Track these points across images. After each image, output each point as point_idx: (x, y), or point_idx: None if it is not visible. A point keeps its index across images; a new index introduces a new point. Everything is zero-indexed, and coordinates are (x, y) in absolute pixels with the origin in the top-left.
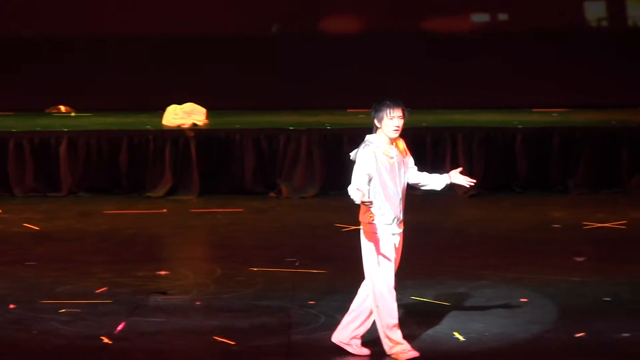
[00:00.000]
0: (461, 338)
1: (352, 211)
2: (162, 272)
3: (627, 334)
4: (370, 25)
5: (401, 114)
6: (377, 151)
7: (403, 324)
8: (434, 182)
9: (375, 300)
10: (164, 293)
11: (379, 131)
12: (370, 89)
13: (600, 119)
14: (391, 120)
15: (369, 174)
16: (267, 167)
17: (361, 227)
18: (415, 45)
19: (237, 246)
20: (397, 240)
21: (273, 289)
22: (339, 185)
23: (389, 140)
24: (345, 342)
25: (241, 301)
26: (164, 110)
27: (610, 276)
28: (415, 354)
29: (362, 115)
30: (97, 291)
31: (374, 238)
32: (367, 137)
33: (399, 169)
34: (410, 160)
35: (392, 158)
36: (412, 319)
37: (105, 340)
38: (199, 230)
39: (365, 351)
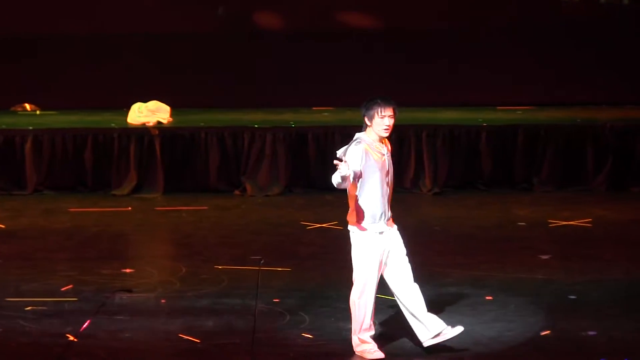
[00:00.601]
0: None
1: (317, 209)
2: (127, 270)
3: (593, 333)
4: (333, 23)
5: (392, 113)
6: (368, 148)
7: None
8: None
9: (355, 299)
10: (129, 291)
11: (368, 129)
12: (334, 87)
13: (565, 117)
14: (382, 120)
15: (355, 171)
16: (232, 165)
17: (349, 227)
18: (379, 43)
19: (201, 244)
20: (387, 238)
21: (238, 287)
22: (303, 184)
23: (378, 138)
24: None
25: (206, 299)
26: (128, 108)
27: (576, 274)
28: (380, 355)
29: (326, 113)
30: (63, 289)
31: (360, 239)
32: (357, 134)
33: (388, 167)
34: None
35: (382, 155)
36: (376, 317)
37: (71, 338)
38: (163, 228)
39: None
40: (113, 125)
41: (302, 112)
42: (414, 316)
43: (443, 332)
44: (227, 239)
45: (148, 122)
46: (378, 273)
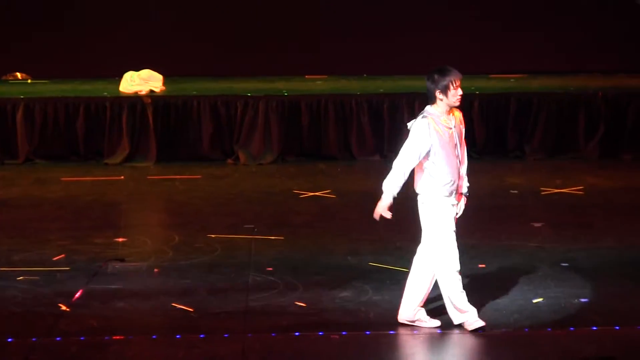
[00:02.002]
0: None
1: (310, 178)
2: (120, 239)
3: (585, 300)
4: None
5: (460, 83)
6: (434, 122)
7: (361, 290)
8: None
9: (439, 271)
10: (122, 260)
11: (439, 102)
12: (328, 56)
13: (558, 85)
14: (456, 90)
15: (420, 153)
16: (225, 133)
17: (419, 197)
18: (373, 10)
19: (194, 213)
20: (456, 210)
21: (231, 256)
22: (296, 152)
23: (447, 110)
24: (411, 320)
25: (199, 268)
26: (121, 77)
27: (568, 242)
28: (481, 323)
29: (319, 82)
30: (55, 258)
31: (433, 210)
32: (427, 108)
33: (459, 139)
34: (463, 133)
35: (450, 129)
36: (370, 285)
37: (63, 307)
38: (156, 197)
39: (436, 322)
40: (105, 94)
41: (295, 80)
42: (407, 287)
43: (415, 319)
44: (220, 208)
45: (140, 91)
46: (454, 242)
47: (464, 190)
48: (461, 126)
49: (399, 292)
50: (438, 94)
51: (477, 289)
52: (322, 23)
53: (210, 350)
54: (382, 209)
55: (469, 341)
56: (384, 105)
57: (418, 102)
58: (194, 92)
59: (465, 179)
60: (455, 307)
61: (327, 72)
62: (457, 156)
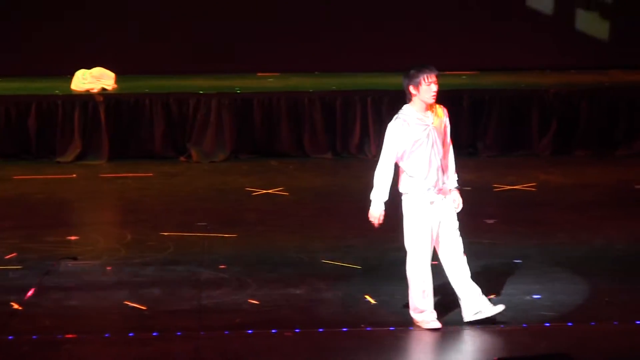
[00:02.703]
0: (372, 301)
1: (262, 175)
2: (72, 238)
3: (538, 296)
4: None
5: (436, 79)
6: (409, 120)
7: (314, 287)
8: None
9: (408, 268)
10: (74, 258)
11: (414, 99)
12: (280, 53)
13: (510, 82)
14: (429, 86)
15: (397, 152)
16: (177, 131)
17: (402, 197)
18: (325, 7)
19: (147, 211)
20: (438, 209)
21: (184, 254)
22: (249, 150)
23: (424, 107)
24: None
25: (152, 266)
26: (72, 75)
27: (521, 238)
28: (437, 325)
29: (271, 79)
30: (7, 257)
31: (410, 208)
32: (403, 107)
33: (438, 136)
34: (447, 127)
35: (427, 125)
36: (323, 282)
37: (16, 306)
38: (108, 195)
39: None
40: (57, 92)
41: (247, 78)
42: (458, 291)
43: (483, 310)
44: (173, 206)
45: (92, 89)
46: (430, 243)
47: (453, 184)
48: (445, 120)
49: (352, 288)
50: (412, 90)
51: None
52: (273, 20)
53: (164, 349)
54: (373, 217)
55: (421, 337)
56: (337, 103)
57: (371, 99)
58: (146, 90)
59: (453, 173)
60: (415, 305)
61: (279, 70)
62: (438, 153)
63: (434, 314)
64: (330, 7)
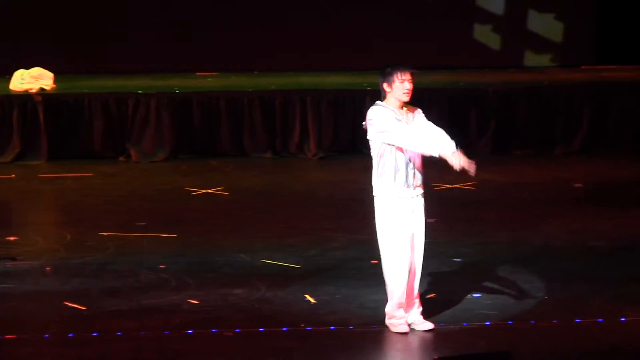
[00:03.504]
0: (312, 300)
1: (202, 175)
2: (11, 238)
3: (478, 295)
4: None
5: (410, 77)
6: (384, 109)
7: (253, 287)
8: (437, 147)
9: (384, 268)
10: (13, 259)
11: (388, 96)
12: (219, 53)
13: (448, 80)
14: (402, 84)
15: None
16: (116, 131)
17: (374, 192)
18: (263, 7)
19: (86, 211)
20: (412, 207)
21: (123, 254)
22: (188, 149)
23: (398, 105)
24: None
25: (91, 266)
26: (10, 75)
27: (460, 237)
28: (405, 329)
29: (210, 79)
30: None
31: (382, 205)
32: (377, 102)
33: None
34: (420, 121)
35: (399, 120)
36: (263, 282)
37: None
38: (48, 196)
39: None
40: None
41: (186, 77)
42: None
43: (413, 324)
44: (112, 206)
45: (31, 89)
46: (404, 241)
47: (452, 148)
48: (419, 116)
49: (292, 288)
50: (386, 87)
51: (370, 286)
52: (212, 20)
53: (104, 349)
54: (458, 161)
55: (361, 337)
56: (276, 102)
57: (310, 98)
58: (85, 90)
59: (447, 139)
60: (386, 307)
61: (218, 69)
62: (407, 151)
63: (404, 318)
64: (267, 7)
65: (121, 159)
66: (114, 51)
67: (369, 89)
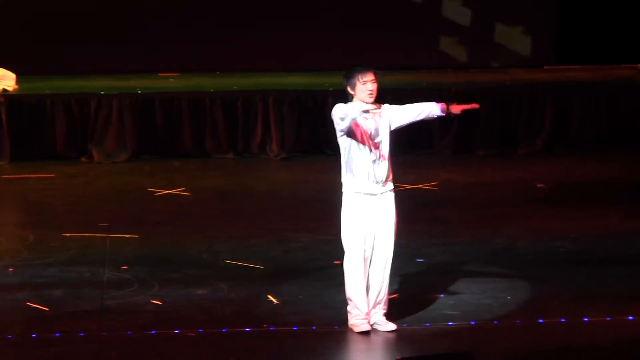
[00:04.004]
0: (275, 301)
1: (164, 175)
2: None
3: (441, 295)
4: None
5: (373, 78)
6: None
7: (216, 287)
8: (425, 109)
9: (344, 265)
10: None
11: (354, 99)
12: (180, 54)
13: (411, 81)
14: (364, 85)
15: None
16: (79, 132)
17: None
18: (224, 8)
19: (49, 212)
20: (381, 200)
21: (86, 254)
22: (150, 150)
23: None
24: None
25: (54, 267)
26: None
27: (423, 237)
28: (367, 327)
29: (172, 80)
30: None
31: (346, 201)
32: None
33: (375, 130)
34: (388, 112)
35: (367, 119)
36: (225, 283)
37: None
38: (10, 196)
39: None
40: None
41: (148, 78)
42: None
43: (376, 325)
44: (75, 207)
45: None
46: (364, 239)
47: (439, 108)
48: (387, 108)
49: (254, 289)
50: (350, 90)
51: (333, 286)
52: (173, 21)
53: (66, 350)
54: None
55: (324, 337)
56: (238, 103)
57: (272, 99)
58: (48, 91)
59: (432, 103)
60: (349, 310)
61: (179, 70)
62: (372, 147)
63: (366, 318)
64: (228, 8)
65: (83, 159)
66: (75, 52)
67: (331, 89)
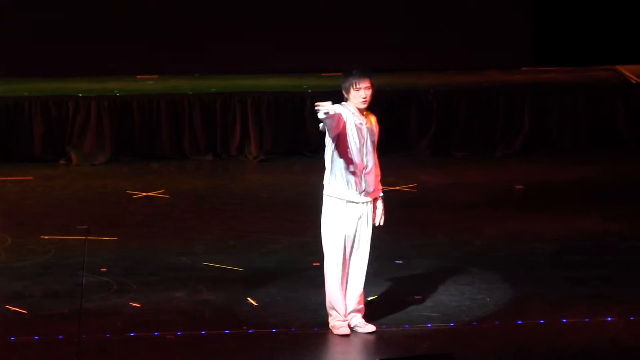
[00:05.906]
0: (254, 303)
1: (143, 178)
2: None
3: (419, 297)
4: None
5: (368, 85)
6: (347, 110)
7: (195, 289)
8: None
9: (325, 273)
10: None
11: (348, 101)
12: (158, 56)
13: (388, 82)
14: (358, 92)
15: (336, 113)
16: (57, 134)
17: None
18: (202, 10)
19: (27, 214)
20: (359, 212)
21: (64, 257)
22: (129, 152)
23: (357, 111)
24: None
25: (33, 269)
26: None
27: (401, 239)
28: (346, 331)
29: (150, 82)
30: None
31: (328, 205)
32: (342, 103)
33: (367, 138)
34: (373, 129)
35: (362, 124)
36: (204, 285)
37: None
38: None
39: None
40: None
41: (126, 80)
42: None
43: (356, 327)
44: (53, 209)
45: None
46: (343, 243)
47: (378, 194)
48: (374, 129)
49: (233, 291)
50: (345, 94)
51: (312, 287)
52: (151, 23)
53: (45, 352)
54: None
55: (303, 339)
56: (216, 105)
57: (250, 101)
58: (25, 93)
59: (378, 183)
60: (329, 313)
61: (158, 72)
62: (367, 154)
63: (345, 321)
64: (206, 10)
65: (62, 162)
66: (53, 54)
67: (309, 91)
